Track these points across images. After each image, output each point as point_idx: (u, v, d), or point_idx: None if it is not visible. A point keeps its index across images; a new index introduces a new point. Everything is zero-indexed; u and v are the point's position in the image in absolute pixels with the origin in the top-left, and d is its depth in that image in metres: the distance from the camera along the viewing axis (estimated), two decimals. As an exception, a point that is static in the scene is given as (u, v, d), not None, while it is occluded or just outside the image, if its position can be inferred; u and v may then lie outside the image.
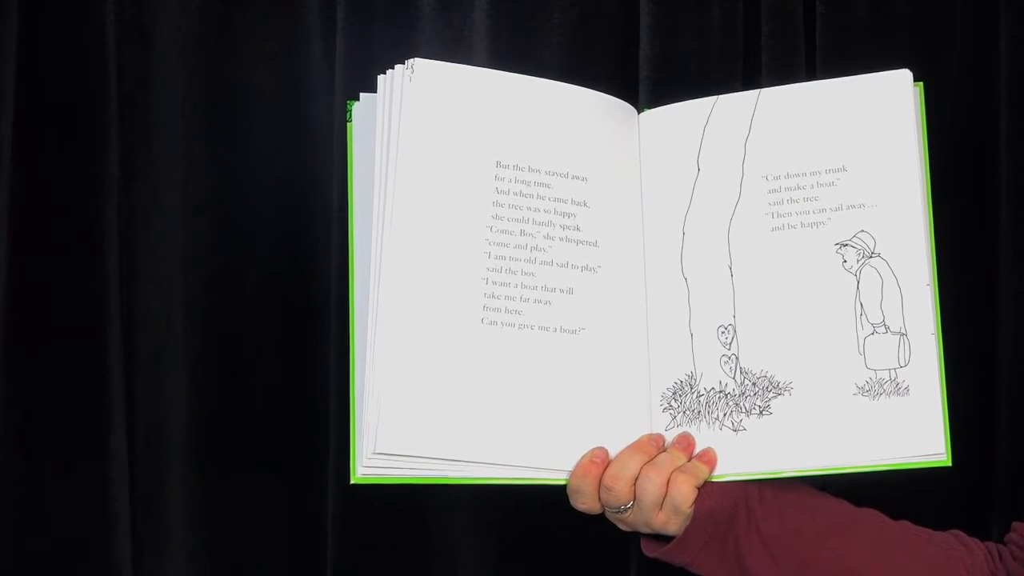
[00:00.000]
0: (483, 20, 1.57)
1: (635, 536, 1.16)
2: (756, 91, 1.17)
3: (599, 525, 1.16)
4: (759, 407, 1.12)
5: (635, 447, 1.11)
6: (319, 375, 1.58)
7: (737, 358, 1.13)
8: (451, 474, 1.09)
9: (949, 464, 1.09)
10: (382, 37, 1.56)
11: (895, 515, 1.18)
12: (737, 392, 1.13)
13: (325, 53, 1.59)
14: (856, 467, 1.10)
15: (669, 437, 1.13)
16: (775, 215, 1.14)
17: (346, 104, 1.16)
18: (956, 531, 1.20)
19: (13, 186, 1.53)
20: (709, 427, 1.13)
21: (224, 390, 1.58)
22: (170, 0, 1.58)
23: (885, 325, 1.10)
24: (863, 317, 1.11)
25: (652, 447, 1.12)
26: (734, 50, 1.57)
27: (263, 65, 1.59)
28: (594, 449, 1.11)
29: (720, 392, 1.13)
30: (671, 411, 1.14)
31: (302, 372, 1.59)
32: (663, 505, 1.10)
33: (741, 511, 1.13)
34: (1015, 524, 1.20)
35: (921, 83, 1.14)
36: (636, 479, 1.10)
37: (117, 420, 1.55)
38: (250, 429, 1.59)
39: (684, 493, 1.09)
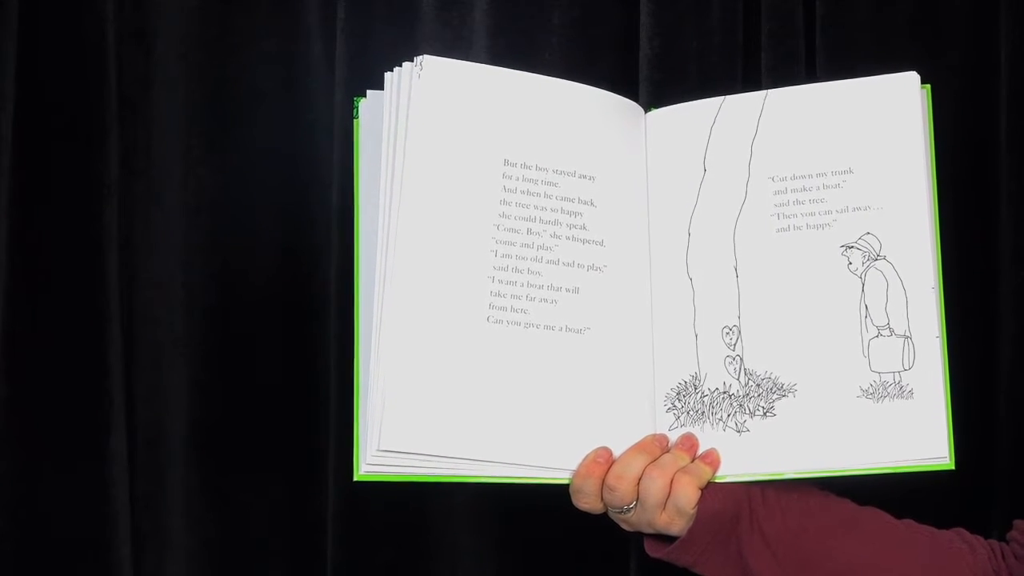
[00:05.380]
0: (483, 20, 1.57)
1: (635, 536, 1.17)
2: (763, 92, 1.17)
3: (599, 525, 1.16)
4: (763, 408, 1.12)
5: (639, 447, 1.12)
6: (319, 375, 1.58)
7: (741, 359, 1.13)
8: (454, 472, 1.09)
9: (952, 468, 1.09)
10: (382, 37, 1.56)
11: (896, 514, 1.19)
12: (741, 393, 1.13)
13: (325, 53, 1.59)
14: (859, 469, 1.11)
15: (673, 437, 1.13)
16: (781, 216, 1.14)
17: (352, 101, 1.16)
18: (959, 529, 1.20)
19: (13, 186, 1.52)
20: (713, 428, 1.13)
21: (224, 390, 1.58)
22: (170, 0, 1.58)
23: (890, 328, 1.10)
24: (868, 319, 1.11)
25: (656, 447, 1.12)
26: (734, 50, 1.57)
27: (263, 65, 1.59)
28: (598, 449, 1.11)
29: (724, 393, 1.13)
30: (675, 411, 1.14)
31: (302, 372, 1.59)
32: (666, 506, 1.10)
33: (744, 511, 1.13)
34: (1016, 522, 1.20)
35: (928, 85, 1.14)
36: (639, 479, 1.10)
37: (117, 420, 1.55)
38: (250, 429, 1.58)
39: (687, 494, 1.10)
